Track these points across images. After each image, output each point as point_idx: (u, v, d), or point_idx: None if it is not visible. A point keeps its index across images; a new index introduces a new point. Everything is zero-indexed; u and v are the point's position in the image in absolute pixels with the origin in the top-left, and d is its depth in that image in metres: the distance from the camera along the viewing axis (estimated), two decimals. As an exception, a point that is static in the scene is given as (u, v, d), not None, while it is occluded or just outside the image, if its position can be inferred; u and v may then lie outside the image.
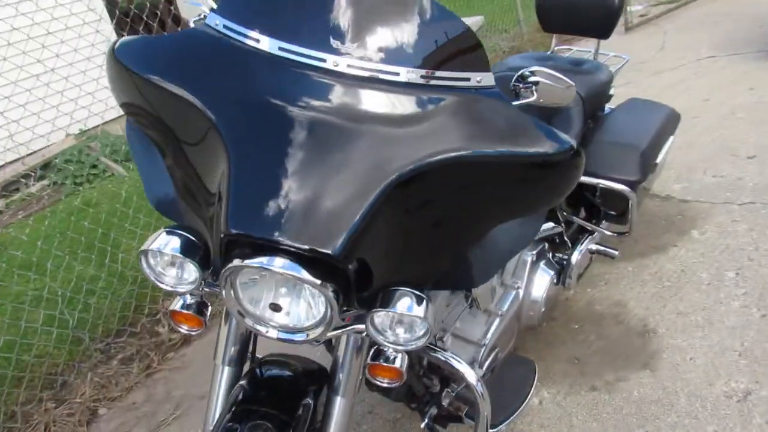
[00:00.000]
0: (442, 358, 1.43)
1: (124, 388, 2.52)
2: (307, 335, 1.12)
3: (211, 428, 1.26)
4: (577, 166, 1.34)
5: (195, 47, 1.20)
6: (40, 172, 4.22)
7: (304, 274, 0.98)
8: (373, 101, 1.10)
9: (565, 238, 2.19)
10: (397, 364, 1.25)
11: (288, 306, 1.11)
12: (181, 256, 1.09)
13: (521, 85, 1.39)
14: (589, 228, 2.28)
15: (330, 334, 1.21)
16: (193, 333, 1.30)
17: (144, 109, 1.22)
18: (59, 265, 2.91)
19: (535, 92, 1.38)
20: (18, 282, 2.96)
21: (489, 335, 1.83)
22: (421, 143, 1.09)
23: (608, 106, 2.49)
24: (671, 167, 3.28)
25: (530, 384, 1.83)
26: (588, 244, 2.19)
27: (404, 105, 1.12)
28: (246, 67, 1.14)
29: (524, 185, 1.25)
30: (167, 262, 1.14)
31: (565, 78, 1.43)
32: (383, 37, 1.15)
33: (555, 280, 2.06)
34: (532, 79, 1.38)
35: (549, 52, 2.55)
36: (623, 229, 2.30)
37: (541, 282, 2.01)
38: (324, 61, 1.11)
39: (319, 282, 1.00)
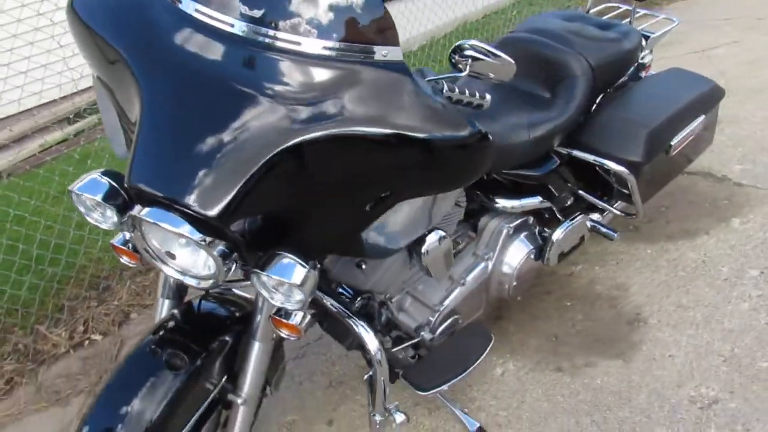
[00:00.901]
0: (348, 321, 1.49)
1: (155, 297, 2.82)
2: (199, 282, 1.22)
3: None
4: (482, 152, 1.31)
5: (138, 2, 1.27)
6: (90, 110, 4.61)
7: (185, 230, 1.07)
8: (274, 69, 1.13)
9: (557, 214, 2.11)
10: (294, 320, 1.34)
11: (185, 254, 1.20)
12: (98, 199, 1.21)
13: (457, 57, 1.36)
14: (600, 206, 2.17)
15: (227, 284, 1.31)
16: (132, 265, 1.46)
17: (97, 60, 1.32)
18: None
19: (467, 66, 1.35)
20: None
21: (447, 302, 1.86)
22: (314, 115, 1.12)
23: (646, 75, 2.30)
24: (739, 145, 2.97)
25: (477, 356, 1.84)
26: (579, 223, 2.09)
27: (304, 75, 1.14)
28: (170, 25, 1.19)
29: (420, 166, 1.25)
30: (94, 201, 1.26)
31: (503, 55, 1.38)
32: (290, 6, 1.16)
33: (534, 255, 2.01)
34: (467, 52, 1.35)
35: (584, 11, 2.36)
36: (632, 210, 2.18)
37: (516, 255, 1.97)
38: (232, 26, 1.15)
39: (200, 239, 1.09)
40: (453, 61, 1.39)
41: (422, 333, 1.84)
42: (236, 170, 1.07)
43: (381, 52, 1.18)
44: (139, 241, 1.19)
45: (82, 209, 1.27)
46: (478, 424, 1.87)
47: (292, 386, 2.10)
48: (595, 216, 2.24)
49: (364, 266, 1.64)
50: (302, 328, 1.35)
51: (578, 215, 2.10)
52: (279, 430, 1.96)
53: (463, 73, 1.38)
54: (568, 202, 2.18)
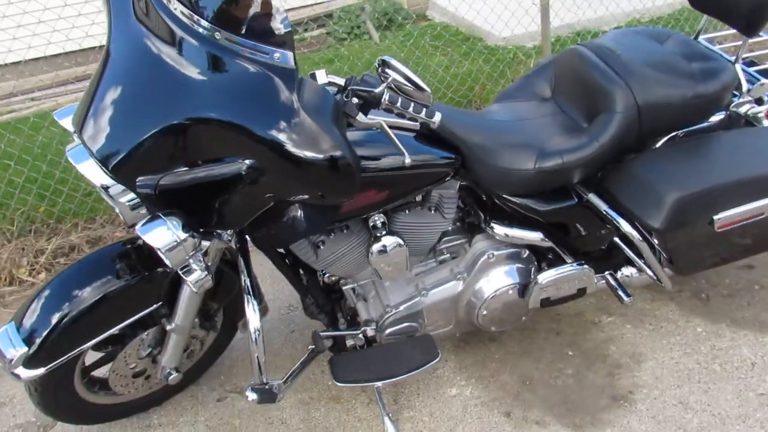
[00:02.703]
0: (244, 296, 1.58)
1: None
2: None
3: None
4: (344, 178, 1.28)
5: None
6: (321, 21, 4.95)
7: (84, 170, 1.31)
8: (187, 49, 1.24)
9: (564, 255, 1.89)
10: (190, 278, 1.48)
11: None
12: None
13: (380, 71, 1.35)
14: (636, 263, 1.89)
15: None
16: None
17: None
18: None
19: (387, 81, 1.34)
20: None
21: (402, 306, 1.85)
22: (201, 98, 1.22)
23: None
24: None
25: (411, 369, 1.80)
26: (577, 273, 1.85)
27: (206, 60, 1.24)
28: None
29: (277, 169, 1.27)
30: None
31: (419, 82, 1.32)
32: None
33: (517, 291, 1.86)
34: (388, 70, 1.32)
35: (691, 36, 1.95)
36: (664, 279, 1.87)
37: (492, 284, 1.86)
38: (170, 1, 1.26)
39: (97, 182, 1.32)
40: (378, 73, 1.36)
41: (367, 327, 1.86)
42: (135, 134, 1.23)
43: (275, 54, 1.21)
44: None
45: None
46: (395, 434, 1.86)
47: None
48: (629, 271, 1.96)
49: (321, 247, 1.70)
50: (196, 285, 1.48)
51: (579, 264, 1.86)
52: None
53: (379, 89, 1.34)
54: (591, 247, 1.94)
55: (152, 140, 1.23)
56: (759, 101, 1.88)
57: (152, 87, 1.25)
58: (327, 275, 1.89)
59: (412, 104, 1.45)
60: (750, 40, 1.78)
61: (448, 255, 1.91)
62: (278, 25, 1.21)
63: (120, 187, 1.39)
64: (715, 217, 1.67)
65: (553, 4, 3.59)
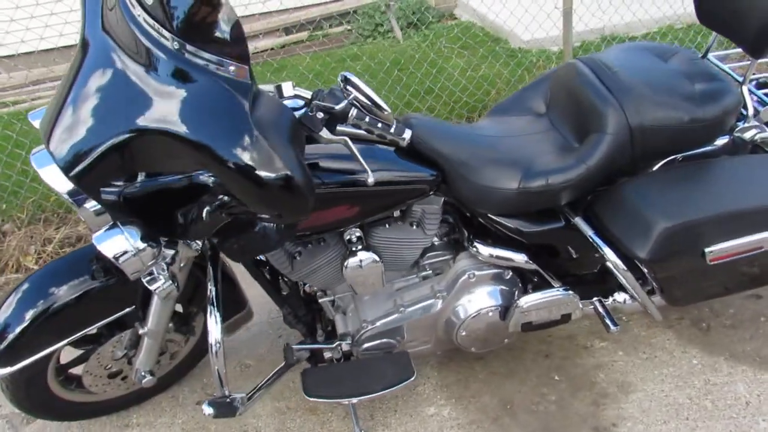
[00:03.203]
0: (209, 306, 1.57)
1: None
2: None
3: None
4: (293, 198, 1.25)
5: None
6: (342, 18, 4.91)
7: (45, 175, 1.31)
8: (147, 59, 1.22)
9: (548, 278, 1.81)
10: (153, 285, 1.47)
11: None
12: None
13: (342, 86, 1.31)
14: (629, 291, 1.79)
15: None
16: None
17: None
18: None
19: (343, 96, 1.30)
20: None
21: (378, 322, 1.82)
22: (158, 107, 1.20)
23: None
24: None
25: (384, 387, 1.76)
26: (559, 298, 1.78)
27: (164, 70, 1.21)
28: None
29: (234, 189, 1.25)
30: None
31: (380, 102, 1.28)
32: (173, 5, 1.22)
33: (499, 313, 1.80)
34: (349, 87, 1.29)
35: (698, 53, 1.84)
36: (652, 309, 1.79)
37: (473, 305, 1.81)
38: (134, 7, 1.25)
39: (63, 192, 1.32)
40: (340, 88, 1.33)
41: (343, 341, 1.83)
42: (94, 143, 1.22)
43: (230, 68, 1.18)
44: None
45: None
46: (365, 451, 1.83)
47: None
48: (621, 297, 1.87)
49: (297, 258, 1.68)
50: (161, 294, 1.47)
51: (565, 289, 1.78)
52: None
53: (340, 105, 1.31)
54: (580, 271, 1.86)
55: (109, 150, 1.21)
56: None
57: (113, 95, 1.23)
58: (307, 285, 1.87)
59: (380, 121, 1.41)
60: (759, 61, 1.67)
61: (431, 271, 1.86)
62: (234, 37, 1.18)
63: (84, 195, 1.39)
64: (707, 250, 1.57)
65: (577, 9, 3.47)
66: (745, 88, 1.72)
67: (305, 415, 1.97)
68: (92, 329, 1.70)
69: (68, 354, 1.79)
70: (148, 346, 1.76)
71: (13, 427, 2.03)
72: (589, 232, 1.67)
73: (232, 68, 1.18)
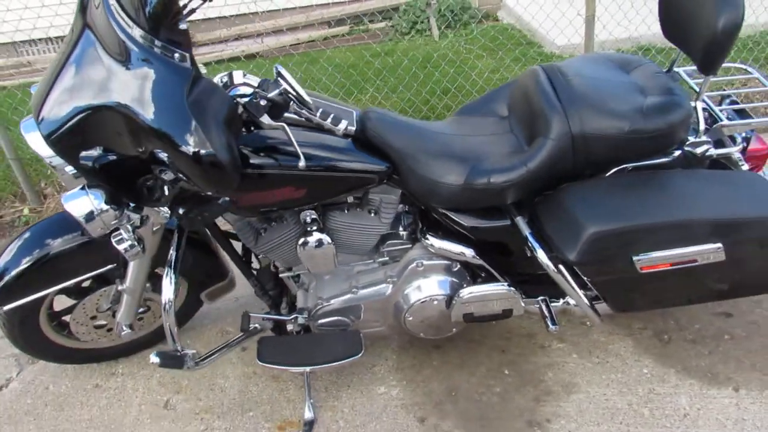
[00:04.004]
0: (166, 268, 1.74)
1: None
2: None
3: None
4: (216, 174, 1.38)
5: None
6: (385, 14, 5.04)
7: (30, 140, 1.52)
8: (114, 43, 1.40)
9: (494, 273, 1.89)
10: (120, 245, 1.66)
11: None
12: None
13: (276, 77, 1.45)
14: (568, 292, 1.85)
15: None
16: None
17: None
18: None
19: (274, 88, 1.44)
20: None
21: (333, 300, 1.95)
22: (118, 87, 1.38)
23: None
24: None
25: (332, 360, 1.89)
26: (498, 293, 1.86)
27: (125, 53, 1.39)
28: None
29: (172, 158, 1.39)
30: None
31: (304, 96, 1.41)
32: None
33: (445, 303, 1.90)
34: (280, 78, 1.42)
35: (662, 68, 1.85)
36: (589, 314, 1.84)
37: (418, 293, 1.91)
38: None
39: (44, 155, 1.52)
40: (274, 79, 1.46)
41: (300, 315, 1.97)
42: (67, 114, 1.41)
43: (175, 54, 1.34)
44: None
45: None
46: (312, 418, 1.96)
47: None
48: (573, 300, 1.93)
49: (262, 234, 1.84)
50: (127, 253, 1.65)
51: (508, 285, 1.86)
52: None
53: (271, 94, 1.44)
54: (528, 270, 1.93)
55: (78, 122, 1.39)
56: (719, 143, 1.78)
57: (85, 75, 1.41)
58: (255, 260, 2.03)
59: (320, 111, 1.53)
60: (712, 78, 1.69)
61: (389, 258, 1.97)
62: (180, 28, 1.34)
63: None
64: (635, 258, 1.61)
65: (601, 17, 3.46)
66: (699, 104, 1.73)
67: (267, 381, 2.13)
68: (79, 280, 1.91)
69: (63, 304, 2.02)
70: (127, 302, 1.96)
71: (19, 365, 2.28)
72: (525, 231, 1.74)
73: (176, 55, 1.34)
